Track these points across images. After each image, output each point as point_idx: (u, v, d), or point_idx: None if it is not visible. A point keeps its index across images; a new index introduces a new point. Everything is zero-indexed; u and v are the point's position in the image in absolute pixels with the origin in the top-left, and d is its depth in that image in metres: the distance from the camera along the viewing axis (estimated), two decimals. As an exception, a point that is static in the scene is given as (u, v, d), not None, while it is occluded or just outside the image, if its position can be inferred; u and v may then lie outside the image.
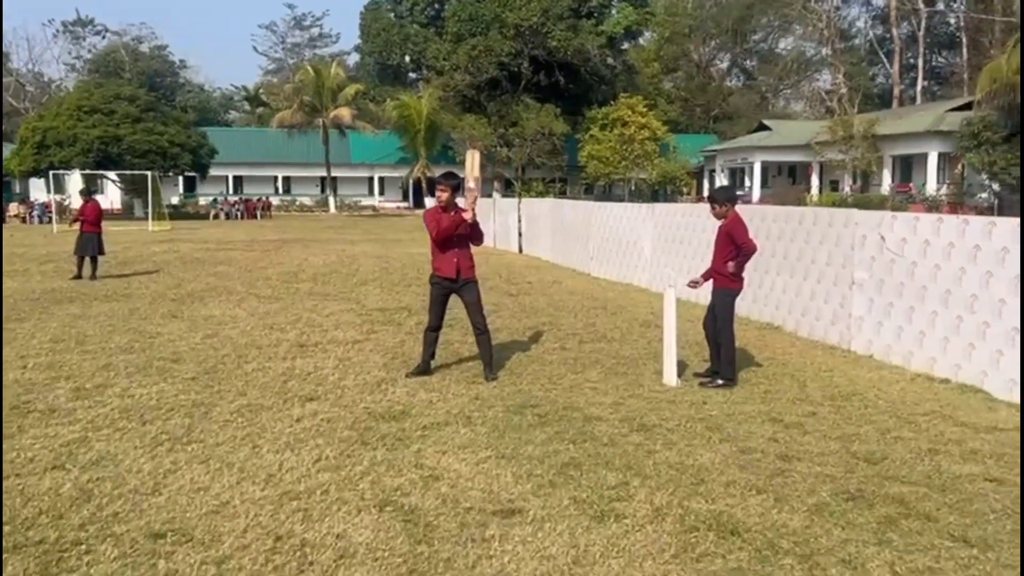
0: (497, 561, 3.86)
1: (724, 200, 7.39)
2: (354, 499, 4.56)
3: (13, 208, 44.52)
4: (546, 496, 4.62)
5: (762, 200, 43.97)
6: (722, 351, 7.24)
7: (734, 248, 7.17)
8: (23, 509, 4.36)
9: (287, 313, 11.20)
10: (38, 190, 48.90)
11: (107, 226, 21.94)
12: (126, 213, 47.13)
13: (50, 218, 37.13)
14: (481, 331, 7.40)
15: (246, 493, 4.64)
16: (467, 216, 7.11)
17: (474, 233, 7.35)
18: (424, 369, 7.47)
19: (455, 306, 7.74)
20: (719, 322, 7.30)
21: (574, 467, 5.08)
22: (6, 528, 4.11)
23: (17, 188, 52.73)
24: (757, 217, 10.27)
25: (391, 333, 9.69)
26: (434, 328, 7.49)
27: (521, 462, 5.17)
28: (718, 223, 7.43)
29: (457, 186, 7.26)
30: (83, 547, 3.92)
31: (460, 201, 7.35)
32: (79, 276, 15.27)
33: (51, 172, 39.79)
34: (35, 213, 42.45)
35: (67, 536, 4.04)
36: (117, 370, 7.68)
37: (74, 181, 42.43)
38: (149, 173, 39.01)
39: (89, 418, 6.06)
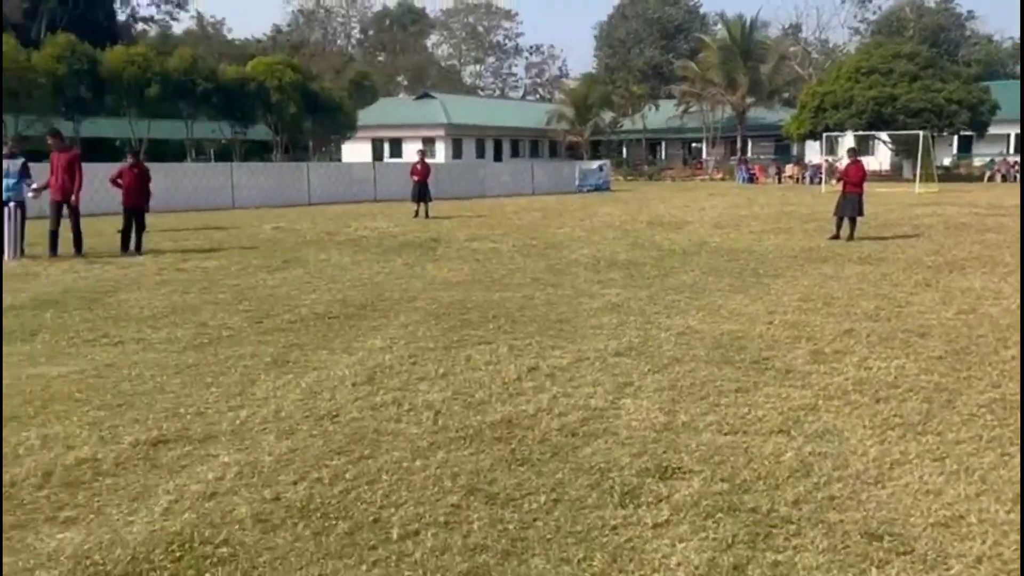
0: None
1: None
2: None
3: (788, 169, 48.24)
4: None
5: None
6: None
7: None
8: (744, 470, 4.34)
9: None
10: (812, 152, 51.71)
11: (872, 187, 21.91)
12: (894, 174, 46.64)
13: (820, 179, 38.86)
14: None
15: (985, 511, 3.82)
16: None
17: None
18: None
19: None
20: None
21: None
22: (724, 486, 4.14)
23: (794, 151, 56.72)
24: None
25: None
26: None
27: None
28: None
29: None
30: (793, 527, 3.69)
31: None
32: (836, 236, 15.42)
33: (824, 134, 41.55)
34: (807, 174, 45.14)
35: (779, 510, 3.86)
36: (858, 337, 7.35)
37: (845, 142, 43.57)
38: (920, 133, 37.75)
39: (822, 385, 5.87)
